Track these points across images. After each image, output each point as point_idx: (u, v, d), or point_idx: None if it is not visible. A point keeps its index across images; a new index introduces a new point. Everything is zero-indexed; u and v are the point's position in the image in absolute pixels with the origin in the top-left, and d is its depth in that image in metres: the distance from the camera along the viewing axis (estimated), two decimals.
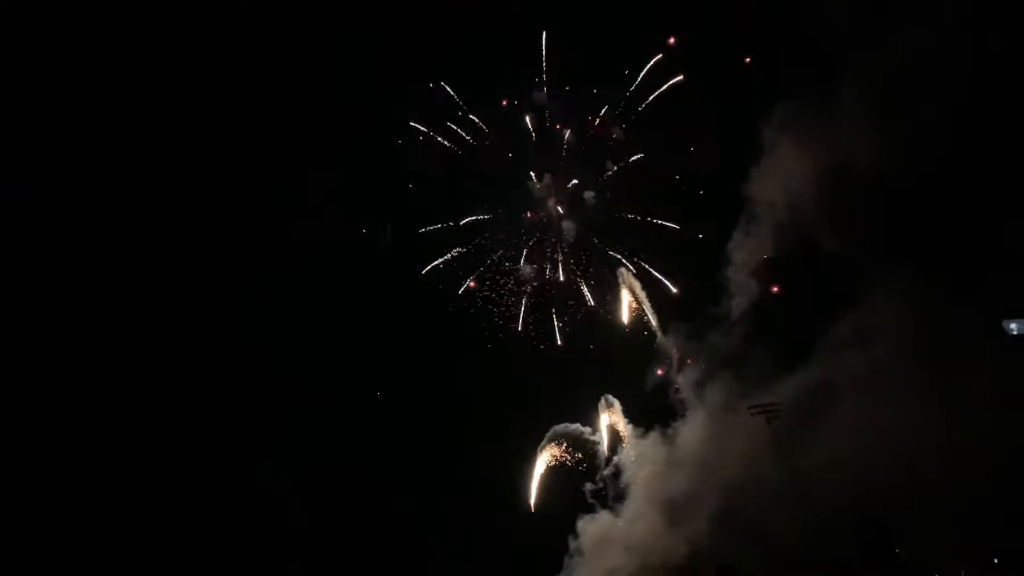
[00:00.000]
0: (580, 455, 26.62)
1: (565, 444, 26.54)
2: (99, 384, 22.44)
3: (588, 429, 27.13)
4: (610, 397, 27.14)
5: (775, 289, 24.69)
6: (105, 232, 22.72)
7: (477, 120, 26.17)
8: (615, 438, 26.79)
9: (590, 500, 25.53)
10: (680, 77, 25.67)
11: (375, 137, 24.61)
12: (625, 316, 26.98)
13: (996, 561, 21.13)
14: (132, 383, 22.72)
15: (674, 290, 26.27)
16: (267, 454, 23.20)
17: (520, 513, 25.48)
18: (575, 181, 26.94)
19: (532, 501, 25.67)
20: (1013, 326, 21.52)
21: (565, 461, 26.37)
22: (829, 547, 21.95)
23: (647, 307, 26.95)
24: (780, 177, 23.92)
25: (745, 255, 24.98)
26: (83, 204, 22.37)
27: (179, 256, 22.97)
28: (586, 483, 25.86)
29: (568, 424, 27.16)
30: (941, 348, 22.03)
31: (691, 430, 25.11)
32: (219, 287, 23.20)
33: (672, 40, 25.26)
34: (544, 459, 26.29)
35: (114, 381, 22.60)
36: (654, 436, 25.71)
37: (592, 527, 25.02)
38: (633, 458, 26.07)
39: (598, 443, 26.86)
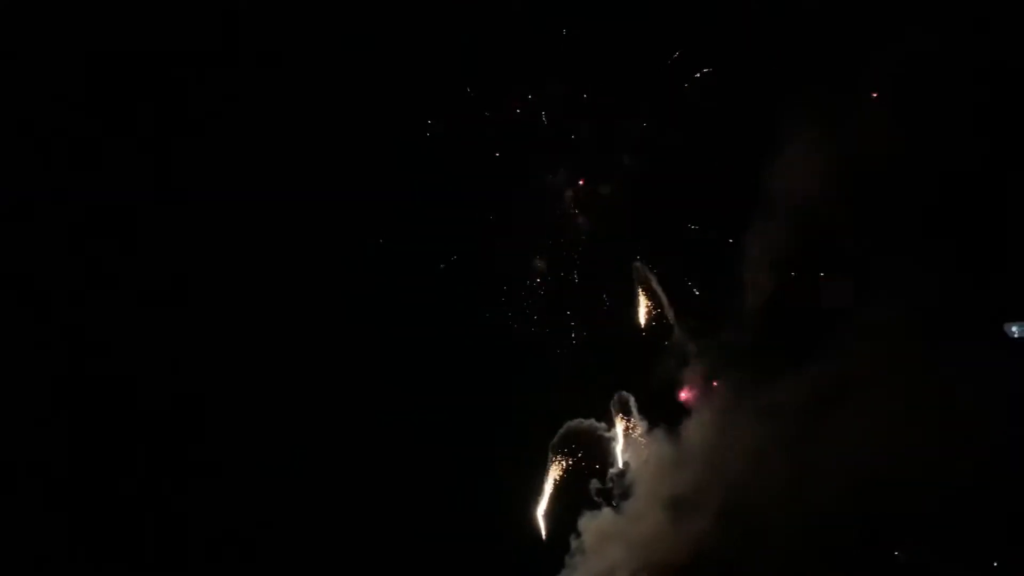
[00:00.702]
0: (592, 453, 27.16)
1: (577, 447, 26.95)
2: None
3: (603, 425, 27.55)
4: (624, 393, 27.51)
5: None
6: None
7: (489, 113, 25.99)
8: (627, 434, 27.27)
9: (595, 498, 26.16)
10: (707, 70, 26.46)
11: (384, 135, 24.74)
12: (641, 313, 27.39)
13: (996, 564, 21.50)
14: None
15: (694, 289, 26.82)
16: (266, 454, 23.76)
17: (524, 517, 25.52)
18: (591, 175, 27.45)
19: (541, 521, 26.11)
20: (1015, 329, 21.76)
21: (577, 463, 26.81)
22: (830, 548, 22.55)
23: (663, 303, 27.32)
24: (798, 176, 24.30)
25: (758, 254, 25.43)
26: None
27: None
28: (592, 480, 26.45)
29: (582, 420, 27.56)
30: (947, 349, 22.42)
31: (698, 427, 25.61)
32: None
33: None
34: (556, 465, 26.76)
35: None
36: (663, 433, 26.27)
37: (594, 524, 25.22)
38: (643, 454, 26.52)
39: (613, 439, 27.31)
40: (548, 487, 26.25)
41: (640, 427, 26.94)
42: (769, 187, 24.23)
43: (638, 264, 27.40)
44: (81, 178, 22.59)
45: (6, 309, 22.20)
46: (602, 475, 26.32)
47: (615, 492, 25.72)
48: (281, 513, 23.89)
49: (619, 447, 26.90)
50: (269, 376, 24.02)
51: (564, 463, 26.77)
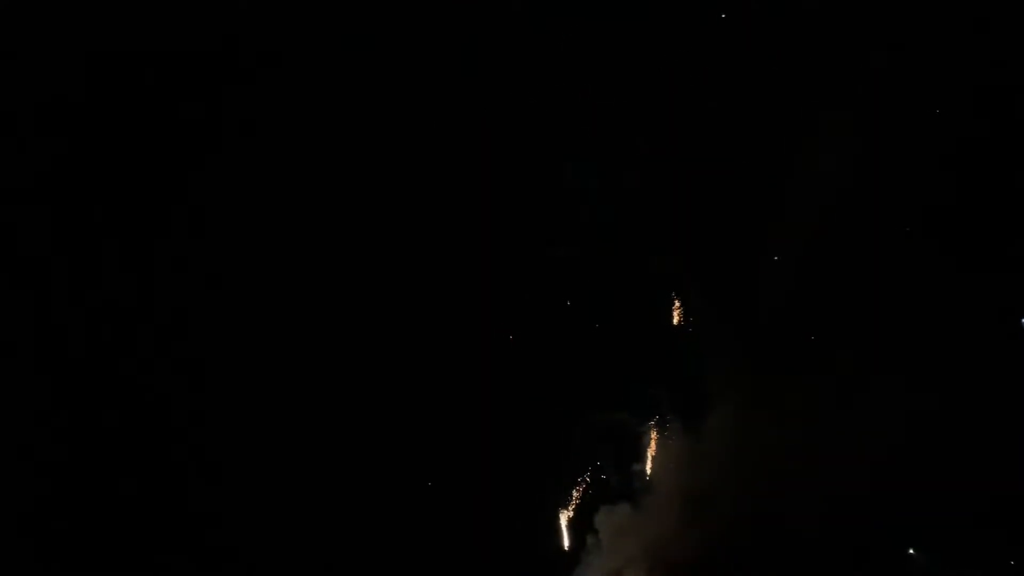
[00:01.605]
0: (616, 446, 27.21)
1: (602, 441, 26.96)
2: None
3: (631, 419, 27.53)
4: (652, 387, 27.50)
5: None
6: None
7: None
8: (655, 429, 27.27)
9: (615, 493, 26.24)
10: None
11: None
12: (668, 305, 27.35)
13: (1012, 563, 21.46)
14: None
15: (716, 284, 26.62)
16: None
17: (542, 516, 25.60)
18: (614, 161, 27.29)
19: (564, 527, 26.19)
20: None
21: (601, 457, 26.86)
22: (844, 547, 22.63)
23: (689, 296, 27.23)
24: (816, 168, 24.27)
25: (781, 247, 25.34)
26: None
27: None
28: (613, 475, 26.57)
29: (609, 413, 27.55)
30: (963, 344, 22.38)
31: (718, 424, 25.62)
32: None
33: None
34: (579, 460, 26.80)
35: None
36: (686, 428, 26.28)
37: (611, 519, 25.35)
38: (666, 449, 26.54)
39: (643, 432, 27.32)
40: (570, 482, 26.56)
41: (667, 421, 27.07)
42: (790, 185, 24.41)
43: (663, 256, 27.40)
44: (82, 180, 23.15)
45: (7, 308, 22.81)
46: (624, 470, 26.51)
47: (636, 487, 25.85)
48: (302, 513, 24.35)
49: (643, 441, 27.03)
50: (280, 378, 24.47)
51: (588, 458, 26.97)
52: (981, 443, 21.26)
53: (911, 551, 22.19)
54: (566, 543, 25.33)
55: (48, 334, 23.17)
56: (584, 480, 25.97)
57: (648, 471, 25.70)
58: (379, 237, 24.97)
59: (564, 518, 25.66)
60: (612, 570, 24.95)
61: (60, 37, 22.75)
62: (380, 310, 25.01)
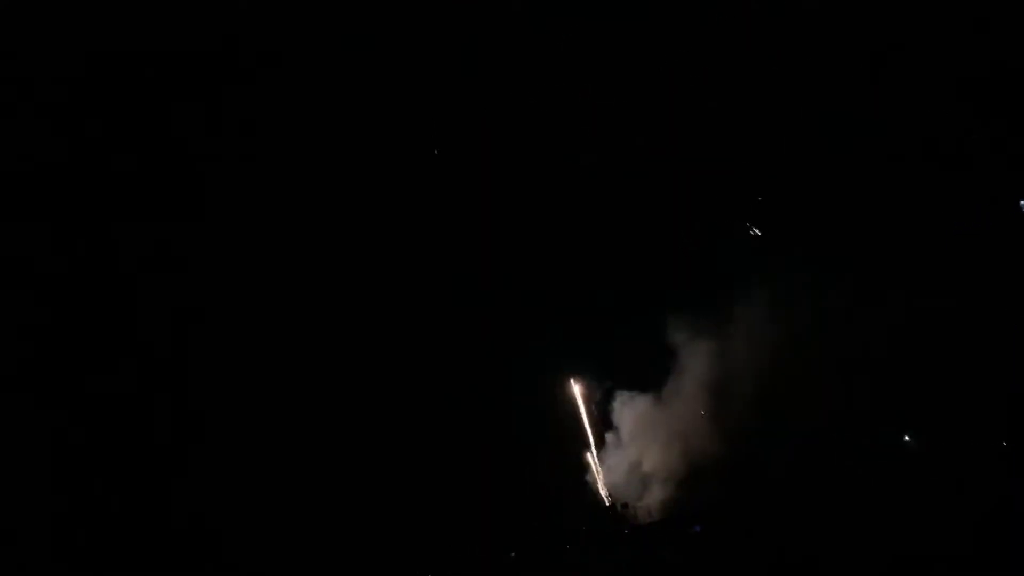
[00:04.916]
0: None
1: None
2: None
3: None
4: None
5: None
6: None
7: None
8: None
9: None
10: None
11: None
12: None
13: (1005, 444, 23.12)
14: None
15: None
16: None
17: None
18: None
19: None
20: None
21: None
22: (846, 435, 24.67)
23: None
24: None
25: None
26: None
27: None
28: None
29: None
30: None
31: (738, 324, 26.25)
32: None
33: None
34: None
35: None
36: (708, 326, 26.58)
37: (633, 410, 27.19)
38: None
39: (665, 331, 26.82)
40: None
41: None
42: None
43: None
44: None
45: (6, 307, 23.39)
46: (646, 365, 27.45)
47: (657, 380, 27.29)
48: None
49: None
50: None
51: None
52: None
53: (907, 437, 24.42)
54: (591, 438, 27.54)
55: (46, 333, 24.10)
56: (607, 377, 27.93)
57: (670, 366, 27.34)
58: (379, 235, 26.03)
59: (587, 412, 27.69)
60: (634, 457, 27.40)
61: (60, 37, 23.01)
62: (378, 308, 26.16)
